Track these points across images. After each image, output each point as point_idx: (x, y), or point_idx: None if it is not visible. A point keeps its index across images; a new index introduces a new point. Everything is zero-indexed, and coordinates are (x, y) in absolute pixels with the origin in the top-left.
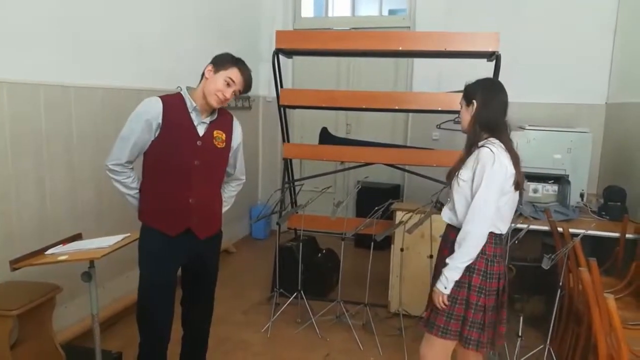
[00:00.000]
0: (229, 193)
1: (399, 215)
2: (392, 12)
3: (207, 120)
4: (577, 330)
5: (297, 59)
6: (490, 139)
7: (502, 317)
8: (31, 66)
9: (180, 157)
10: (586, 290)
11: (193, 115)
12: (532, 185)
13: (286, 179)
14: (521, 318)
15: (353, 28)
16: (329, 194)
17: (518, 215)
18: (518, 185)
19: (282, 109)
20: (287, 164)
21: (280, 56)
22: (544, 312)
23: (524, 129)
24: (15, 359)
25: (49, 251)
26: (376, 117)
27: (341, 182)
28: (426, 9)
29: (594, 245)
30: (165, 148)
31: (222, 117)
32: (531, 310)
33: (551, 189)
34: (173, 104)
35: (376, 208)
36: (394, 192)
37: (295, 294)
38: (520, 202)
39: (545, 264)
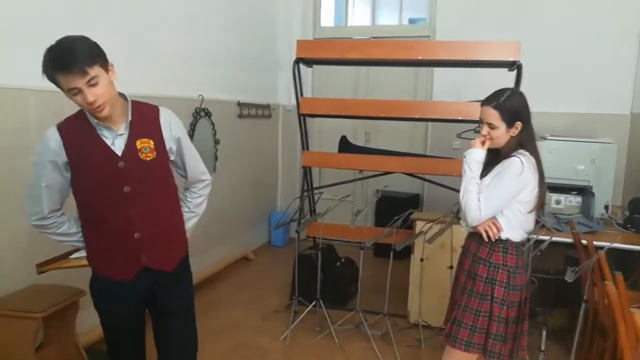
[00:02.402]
0: (194, 201)
1: (419, 225)
2: (412, 21)
3: (124, 130)
4: (602, 345)
5: (317, 67)
6: (521, 150)
7: (523, 328)
8: None
9: (105, 188)
10: (612, 305)
11: (103, 133)
12: (554, 197)
13: (305, 187)
14: (544, 332)
15: (373, 37)
16: (347, 202)
17: (540, 226)
18: (541, 206)
19: (301, 117)
20: (306, 172)
21: (300, 65)
22: (567, 325)
23: (546, 139)
24: None
25: (73, 255)
26: (395, 125)
27: (360, 191)
28: (446, 18)
29: (618, 259)
30: (86, 184)
31: (142, 119)
32: (554, 324)
33: (574, 200)
34: (76, 128)
35: (396, 217)
36: (413, 201)
37: (314, 302)
38: (542, 213)
39: (569, 277)
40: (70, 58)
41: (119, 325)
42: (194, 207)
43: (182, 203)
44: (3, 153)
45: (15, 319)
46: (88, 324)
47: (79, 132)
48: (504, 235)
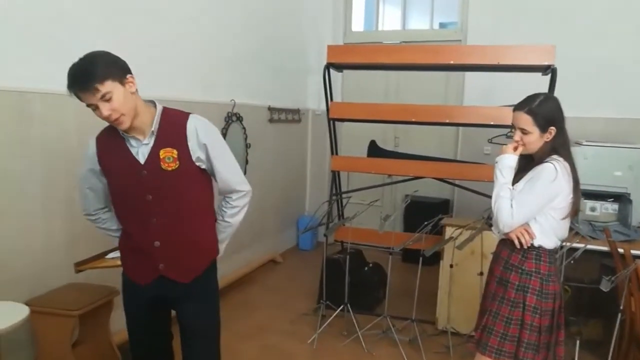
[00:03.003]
0: (228, 211)
1: (449, 231)
2: (442, 25)
3: (149, 140)
4: (638, 356)
5: (346, 72)
6: (554, 155)
7: (559, 338)
8: None
9: (130, 196)
10: None
11: (130, 142)
12: (589, 204)
13: (334, 191)
14: (577, 342)
15: (403, 42)
16: (376, 207)
17: (574, 234)
18: (575, 213)
19: (331, 122)
20: (335, 176)
21: (330, 70)
22: (602, 336)
23: (581, 144)
24: (75, 358)
25: (109, 255)
26: (425, 130)
27: (388, 196)
28: (478, 22)
29: None
30: (116, 191)
31: (168, 128)
32: (588, 334)
33: (611, 207)
34: (109, 138)
35: (426, 223)
36: (443, 206)
37: (342, 306)
38: (576, 220)
39: (605, 286)
40: (83, 78)
41: (135, 325)
42: (228, 217)
43: (219, 211)
44: (44, 157)
45: (54, 316)
46: (121, 322)
47: (111, 141)
48: (536, 242)
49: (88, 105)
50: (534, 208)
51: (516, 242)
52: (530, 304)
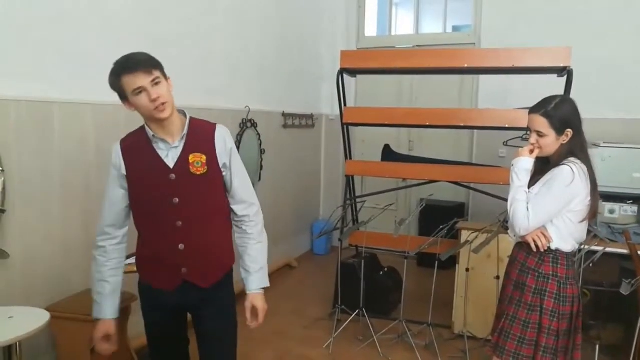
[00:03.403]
0: (255, 229)
1: (465, 235)
2: (456, 28)
3: (179, 144)
4: None
5: (360, 77)
6: (571, 158)
7: (576, 342)
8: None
9: (156, 199)
10: None
11: (159, 145)
12: (607, 206)
13: (348, 196)
14: (597, 347)
15: (417, 46)
16: (391, 211)
17: (593, 236)
18: (594, 215)
19: (345, 126)
20: (349, 180)
21: (344, 75)
22: (622, 340)
23: (599, 146)
24: None
25: (127, 261)
26: (439, 134)
27: (403, 200)
28: (492, 25)
29: None
30: (140, 194)
31: (198, 134)
32: (607, 339)
33: (630, 209)
34: (134, 141)
35: (441, 227)
36: (459, 210)
37: (357, 311)
38: (594, 223)
39: (625, 290)
40: (136, 60)
41: (158, 333)
42: (258, 235)
43: (243, 236)
44: (62, 164)
45: (73, 322)
46: (139, 328)
47: (137, 144)
48: (553, 246)
49: (133, 91)
50: (551, 211)
51: (532, 245)
52: (547, 307)
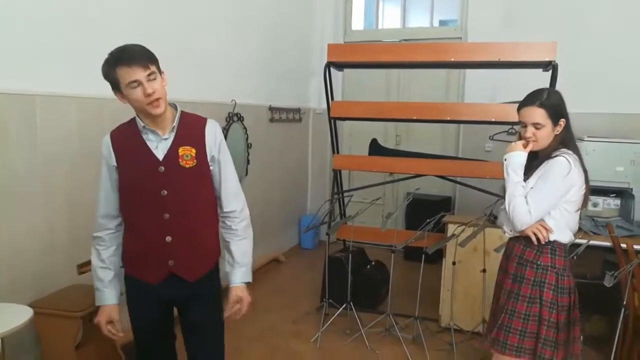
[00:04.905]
0: (241, 225)
1: (451, 228)
2: (442, 22)
3: (169, 136)
4: None
5: (347, 71)
6: (563, 149)
7: (575, 335)
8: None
9: (145, 190)
10: None
11: (149, 137)
12: (591, 199)
13: (335, 190)
14: (581, 338)
15: (403, 40)
16: (378, 205)
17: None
18: (586, 204)
19: (332, 121)
20: (337, 175)
21: (331, 69)
22: (605, 332)
23: (583, 140)
24: (79, 359)
25: None
26: (426, 128)
27: (390, 194)
28: (478, 19)
29: None
30: (128, 186)
31: (188, 127)
32: (591, 330)
33: (613, 203)
34: (124, 132)
35: (428, 220)
36: (445, 204)
37: (345, 305)
38: (579, 216)
39: (608, 282)
40: (134, 53)
41: (144, 327)
42: (243, 231)
43: (228, 231)
44: (45, 158)
45: (57, 318)
46: (125, 323)
47: (127, 135)
48: (552, 237)
49: (128, 84)
50: (551, 203)
51: (533, 238)
52: (547, 299)
